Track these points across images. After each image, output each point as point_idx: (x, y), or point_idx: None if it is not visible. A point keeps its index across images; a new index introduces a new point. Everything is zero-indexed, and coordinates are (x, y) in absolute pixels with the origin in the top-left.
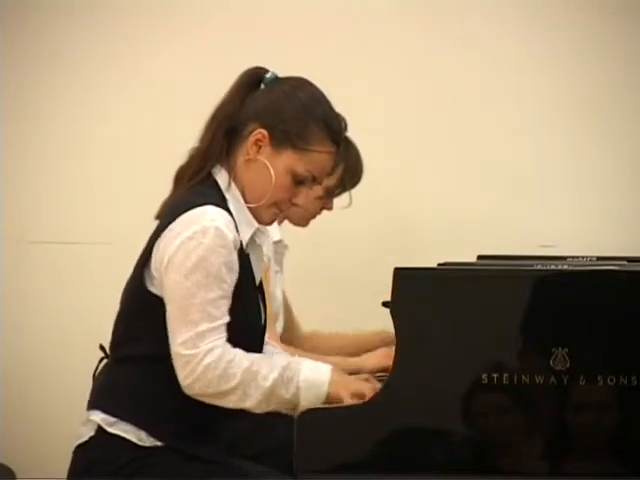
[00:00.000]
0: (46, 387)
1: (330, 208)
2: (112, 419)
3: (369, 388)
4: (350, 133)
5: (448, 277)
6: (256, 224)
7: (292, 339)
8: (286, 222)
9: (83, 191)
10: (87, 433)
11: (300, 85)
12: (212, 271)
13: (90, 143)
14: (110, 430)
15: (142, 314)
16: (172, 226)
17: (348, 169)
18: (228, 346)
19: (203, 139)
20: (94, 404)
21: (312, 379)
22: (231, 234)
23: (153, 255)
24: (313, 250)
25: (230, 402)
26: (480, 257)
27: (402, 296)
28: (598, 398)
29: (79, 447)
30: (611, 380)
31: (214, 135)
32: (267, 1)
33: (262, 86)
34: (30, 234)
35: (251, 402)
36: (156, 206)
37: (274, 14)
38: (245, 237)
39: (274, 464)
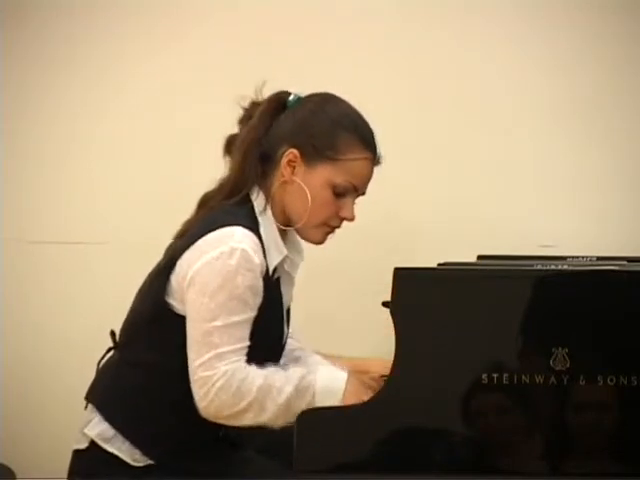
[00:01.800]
0: (46, 387)
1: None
2: (110, 432)
3: None
4: None
5: (448, 277)
6: (285, 251)
7: None
8: None
9: (83, 191)
10: (84, 442)
11: (324, 99)
12: (237, 294)
13: (90, 143)
14: (105, 447)
15: (154, 322)
16: (200, 242)
17: None
18: (243, 365)
19: (233, 169)
20: (94, 401)
21: (329, 387)
22: (257, 258)
23: (177, 267)
24: (313, 250)
25: (247, 420)
26: (480, 257)
27: (402, 296)
28: (598, 398)
29: (77, 452)
30: (611, 380)
31: (245, 161)
32: (267, 1)
33: (286, 110)
34: (30, 234)
35: (269, 417)
36: (156, 206)
37: (274, 14)
38: (273, 262)
39: (278, 460)
